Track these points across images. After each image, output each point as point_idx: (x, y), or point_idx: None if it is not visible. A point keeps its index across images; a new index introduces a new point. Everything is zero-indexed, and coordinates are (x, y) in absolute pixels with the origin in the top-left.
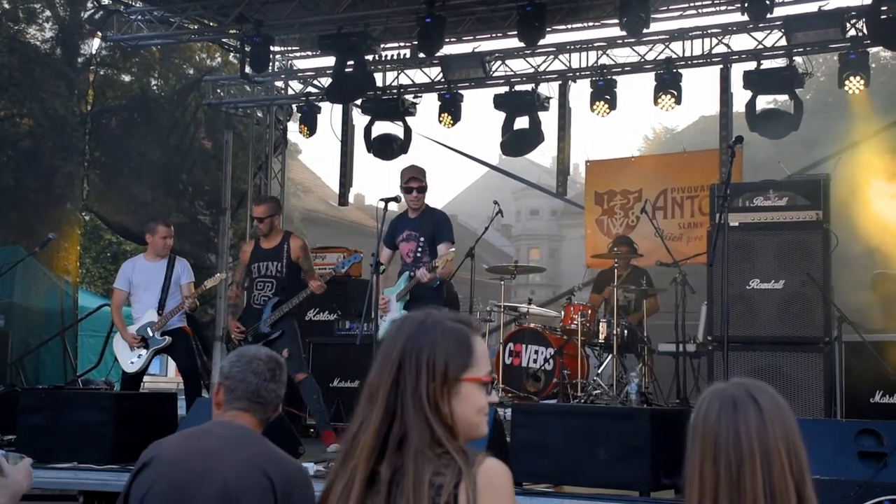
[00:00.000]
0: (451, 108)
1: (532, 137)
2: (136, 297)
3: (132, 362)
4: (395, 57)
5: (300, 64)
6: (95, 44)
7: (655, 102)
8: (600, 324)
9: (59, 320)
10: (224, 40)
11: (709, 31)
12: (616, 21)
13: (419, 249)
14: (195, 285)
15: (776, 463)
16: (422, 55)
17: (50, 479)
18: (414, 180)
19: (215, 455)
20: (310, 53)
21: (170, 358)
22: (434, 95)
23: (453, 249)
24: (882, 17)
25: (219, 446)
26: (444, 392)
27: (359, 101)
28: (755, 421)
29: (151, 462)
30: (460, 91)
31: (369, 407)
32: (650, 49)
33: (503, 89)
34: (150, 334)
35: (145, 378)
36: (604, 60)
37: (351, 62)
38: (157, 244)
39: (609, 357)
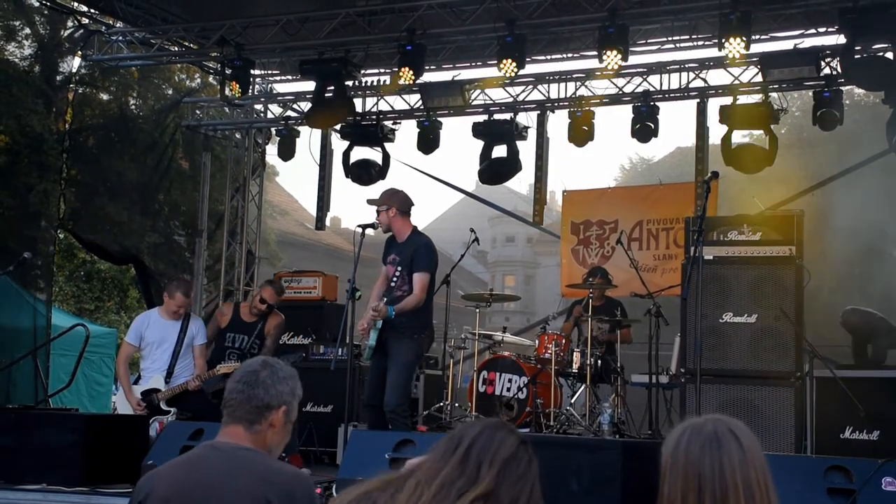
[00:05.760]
0: (429, 135)
1: (510, 166)
2: (148, 353)
3: None
4: (375, 83)
5: (280, 88)
6: (75, 62)
7: (632, 134)
8: (574, 353)
9: (31, 339)
10: (205, 62)
11: (686, 66)
12: (595, 53)
13: (396, 277)
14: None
15: (757, 494)
16: (402, 82)
17: (18, 500)
18: (376, 201)
19: (214, 489)
20: (290, 77)
21: None
22: (413, 122)
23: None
24: (856, 56)
25: (217, 479)
26: None
27: (338, 126)
28: (737, 455)
29: (147, 500)
30: (439, 118)
31: None
32: (628, 81)
33: (482, 118)
34: (156, 402)
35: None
36: (582, 91)
37: (331, 87)
38: (170, 308)
39: (582, 387)
